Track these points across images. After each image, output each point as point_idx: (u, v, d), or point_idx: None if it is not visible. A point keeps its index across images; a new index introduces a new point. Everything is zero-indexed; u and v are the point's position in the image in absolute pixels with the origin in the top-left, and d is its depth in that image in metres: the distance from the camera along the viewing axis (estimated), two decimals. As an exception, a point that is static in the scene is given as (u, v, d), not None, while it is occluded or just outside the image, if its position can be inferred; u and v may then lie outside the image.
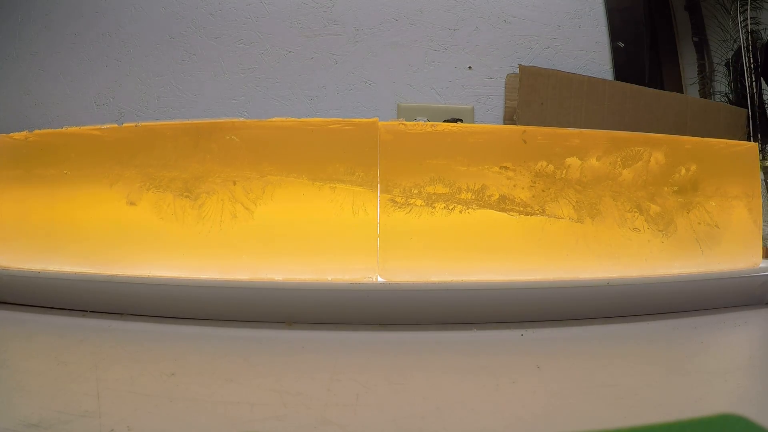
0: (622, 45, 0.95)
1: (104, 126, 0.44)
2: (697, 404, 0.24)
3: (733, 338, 0.28)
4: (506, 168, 0.43)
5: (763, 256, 0.48)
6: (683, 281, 0.44)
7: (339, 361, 0.31)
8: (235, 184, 0.41)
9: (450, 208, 0.42)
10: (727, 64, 1.05)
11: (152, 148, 0.43)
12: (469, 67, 0.94)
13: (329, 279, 0.40)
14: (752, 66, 0.99)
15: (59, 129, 0.45)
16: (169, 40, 0.94)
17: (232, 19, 0.94)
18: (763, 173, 0.82)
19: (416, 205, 0.42)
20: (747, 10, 1.01)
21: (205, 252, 0.42)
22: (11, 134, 0.45)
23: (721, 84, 1.06)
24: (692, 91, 1.07)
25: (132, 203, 0.42)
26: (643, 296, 0.42)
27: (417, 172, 0.42)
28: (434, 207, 0.42)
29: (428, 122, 0.44)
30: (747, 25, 1.01)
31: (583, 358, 0.32)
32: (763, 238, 0.50)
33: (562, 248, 0.43)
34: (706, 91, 1.07)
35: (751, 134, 0.96)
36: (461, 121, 0.90)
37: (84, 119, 0.92)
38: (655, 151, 0.45)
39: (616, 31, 0.96)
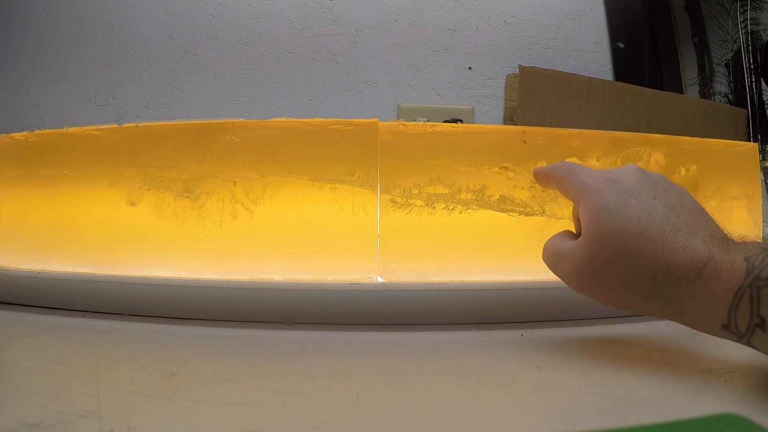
0: (622, 45, 0.96)
1: (104, 126, 0.44)
2: (697, 404, 0.24)
3: (733, 338, 0.28)
4: (506, 168, 0.43)
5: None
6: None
7: (339, 361, 0.31)
8: (235, 184, 0.41)
9: (450, 208, 0.42)
10: (727, 65, 1.05)
11: (152, 149, 0.43)
12: (469, 68, 0.94)
13: (329, 279, 0.40)
14: (752, 66, 0.99)
15: (59, 129, 0.45)
16: (169, 41, 0.94)
17: (233, 19, 0.94)
18: (763, 174, 0.82)
19: (416, 205, 0.42)
20: (747, 10, 1.01)
21: (205, 252, 0.42)
22: (11, 134, 0.45)
23: (721, 85, 1.06)
24: (692, 91, 1.07)
25: (132, 203, 0.42)
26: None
27: (417, 173, 0.42)
28: (434, 207, 0.42)
29: (428, 123, 0.44)
30: (747, 25, 1.01)
31: (583, 358, 0.32)
32: (763, 239, 0.50)
33: (562, 248, 0.42)
34: (706, 92, 1.07)
35: (751, 135, 0.96)
36: (461, 121, 0.90)
37: (84, 119, 0.92)
38: (655, 151, 0.45)
39: (616, 32, 0.96)
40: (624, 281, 0.28)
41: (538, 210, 0.43)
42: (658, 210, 0.28)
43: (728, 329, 0.25)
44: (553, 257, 0.32)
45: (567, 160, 0.44)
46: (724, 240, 0.27)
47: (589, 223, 0.29)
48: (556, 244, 0.32)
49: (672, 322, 0.28)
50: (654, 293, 0.27)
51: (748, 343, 0.25)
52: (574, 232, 0.34)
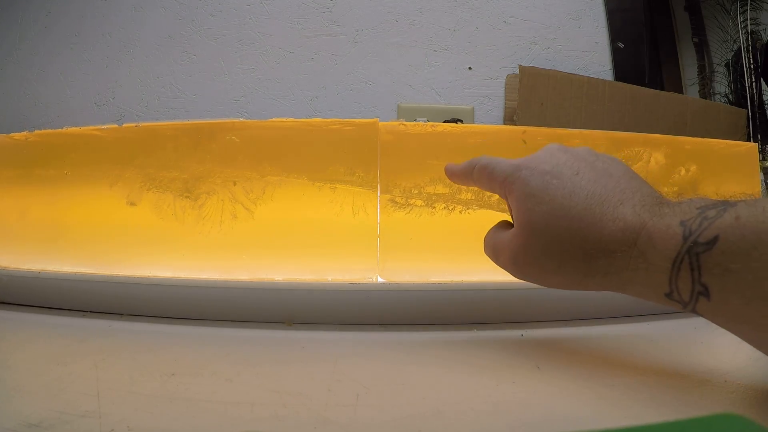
0: (622, 45, 0.96)
1: (104, 126, 0.44)
2: (697, 404, 0.24)
3: (733, 338, 0.28)
4: (506, 168, 0.43)
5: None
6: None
7: (339, 361, 0.31)
8: (235, 184, 0.41)
9: (450, 208, 0.42)
10: (727, 65, 1.05)
11: (152, 149, 0.43)
12: (469, 68, 0.94)
13: (329, 279, 0.40)
14: (752, 66, 0.99)
15: (59, 129, 0.45)
16: (169, 41, 0.94)
17: (232, 19, 0.94)
18: (763, 173, 0.82)
19: (416, 205, 0.42)
20: (747, 10, 1.01)
21: (205, 252, 0.42)
22: (11, 134, 0.45)
23: (721, 84, 1.06)
24: (692, 91, 1.07)
25: (132, 203, 0.42)
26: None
27: (417, 173, 0.42)
28: (434, 207, 0.42)
29: (428, 123, 0.44)
30: (747, 25, 1.01)
31: (583, 358, 0.32)
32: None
33: (562, 248, 0.42)
34: (706, 92, 1.07)
35: (751, 135, 0.96)
36: (461, 121, 0.90)
37: (84, 119, 0.92)
38: (655, 151, 0.45)
39: (616, 32, 0.96)
40: (559, 262, 0.28)
41: (538, 210, 0.43)
42: (582, 185, 0.28)
43: (671, 297, 0.24)
44: (492, 249, 0.32)
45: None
46: (657, 204, 0.26)
47: (518, 212, 0.29)
48: (494, 237, 0.32)
49: (671, 322, 0.28)
50: (591, 269, 0.27)
51: (694, 311, 0.24)
52: (511, 221, 0.33)
